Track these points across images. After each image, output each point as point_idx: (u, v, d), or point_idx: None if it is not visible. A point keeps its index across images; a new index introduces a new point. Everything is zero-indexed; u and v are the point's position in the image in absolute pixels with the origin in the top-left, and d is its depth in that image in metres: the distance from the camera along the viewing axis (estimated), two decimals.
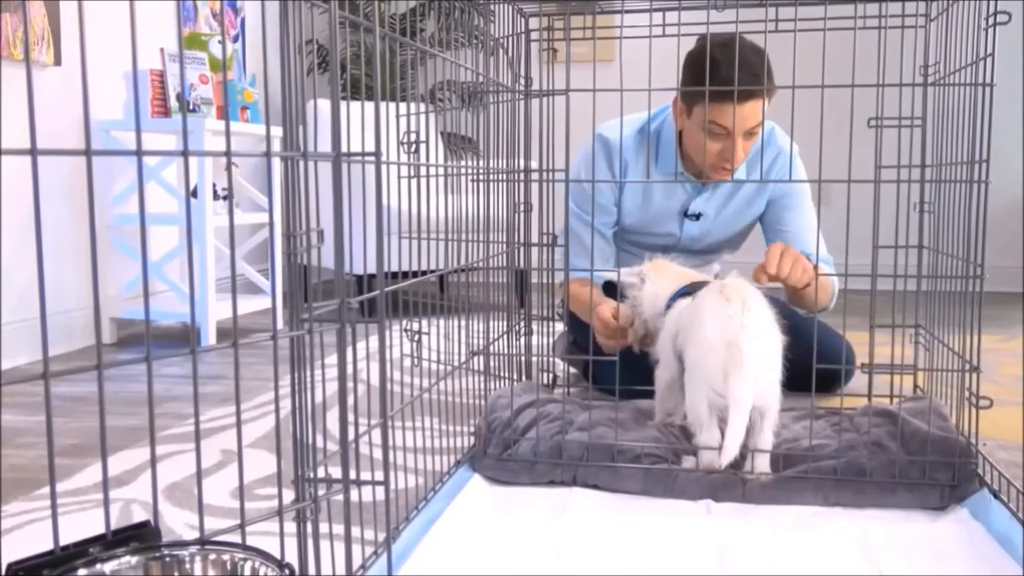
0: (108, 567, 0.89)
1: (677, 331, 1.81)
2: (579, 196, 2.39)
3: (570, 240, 2.26)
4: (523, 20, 2.21)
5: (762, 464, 1.70)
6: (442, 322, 1.97)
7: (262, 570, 0.92)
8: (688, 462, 1.72)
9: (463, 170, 2.01)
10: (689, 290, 1.89)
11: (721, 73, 1.96)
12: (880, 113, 1.66)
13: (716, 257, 2.63)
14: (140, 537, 0.92)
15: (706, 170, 2.24)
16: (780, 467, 1.70)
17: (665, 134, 2.36)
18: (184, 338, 3.54)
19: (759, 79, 2.01)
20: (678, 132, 2.32)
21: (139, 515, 1.65)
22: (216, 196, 3.62)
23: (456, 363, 1.89)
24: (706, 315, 1.67)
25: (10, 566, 0.83)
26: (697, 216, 2.41)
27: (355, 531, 1.42)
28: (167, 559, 0.92)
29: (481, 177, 1.99)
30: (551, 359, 2.42)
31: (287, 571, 0.91)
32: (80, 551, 0.88)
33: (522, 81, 2.18)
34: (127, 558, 0.90)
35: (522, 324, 2.31)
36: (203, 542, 0.94)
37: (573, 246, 2.34)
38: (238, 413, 0.98)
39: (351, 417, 1.69)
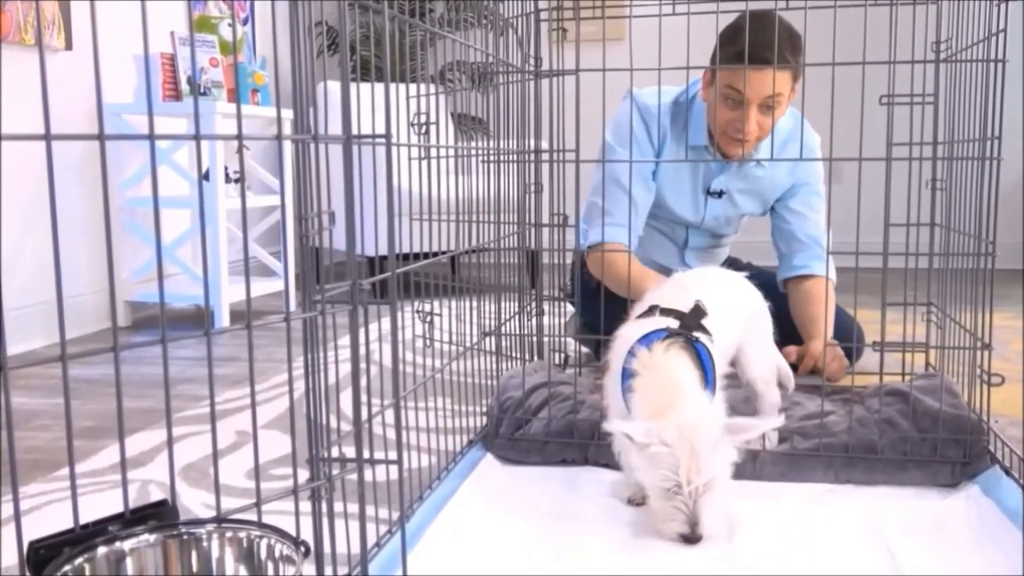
0: (127, 544, 0.90)
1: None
2: (610, 163, 2.23)
3: (605, 204, 2.19)
4: (532, 0, 2.21)
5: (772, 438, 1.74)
6: (454, 303, 1.98)
7: (278, 547, 0.94)
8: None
9: (474, 151, 2.01)
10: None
11: (743, 39, 1.94)
12: (892, 90, 1.66)
13: (728, 240, 2.61)
14: (158, 515, 0.94)
15: (720, 141, 2.22)
16: (791, 444, 1.71)
17: (697, 106, 2.33)
18: (196, 321, 3.56)
19: (779, 51, 1.99)
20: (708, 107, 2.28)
21: (156, 495, 1.67)
22: (228, 179, 3.63)
23: (468, 344, 1.89)
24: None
25: (32, 544, 0.84)
26: (719, 194, 2.38)
27: (369, 510, 1.44)
28: (185, 537, 0.94)
29: (492, 158, 1.99)
30: (563, 339, 2.42)
31: (303, 548, 0.93)
32: (99, 529, 0.89)
33: (532, 61, 2.17)
34: (145, 536, 0.91)
35: (533, 305, 2.32)
36: (220, 520, 0.95)
37: (607, 213, 2.21)
38: (252, 393, 0.99)
39: (364, 397, 1.70)
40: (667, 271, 2.26)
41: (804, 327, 2.26)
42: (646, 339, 1.51)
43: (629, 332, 1.57)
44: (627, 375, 1.49)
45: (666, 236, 2.51)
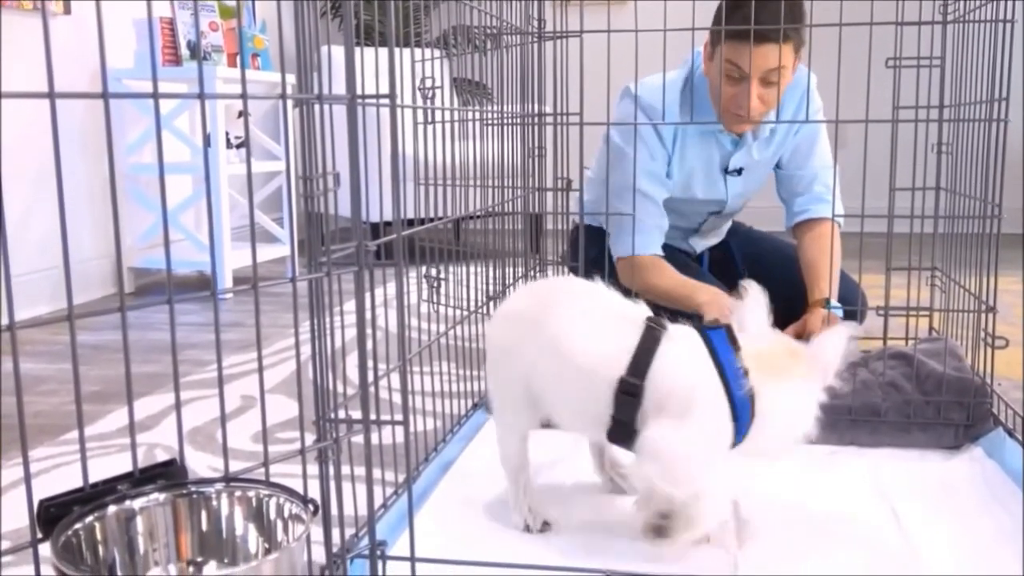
0: (137, 503, 0.91)
1: None
2: (622, 165, 2.14)
3: (621, 217, 2.14)
4: None
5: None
6: (458, 268, 1.98)
7: (287, 506, 0.94)
8: None
9: (477, 115, 1.99)
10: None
11: (743, 12, 1.87)
12: (899, 53, 1.64)
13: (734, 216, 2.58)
14: (167, 475, 0.94)
15: (723, 119, 2.18)
16: None
17: (701, 88, 2.27)
18: (200, 287, 3.56)
19: (779, 23, 1.94)
20: (710, 83, 2.22)
21: (162, 459, 1.68)
22: (229, 144, 3.61)
23: (472, 308, 1.89)
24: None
25: (42, 502, 0.84)
26: (739, 171, 2.34)
27: (375, 473, 1.44)
28: (194, 496, 0.94)
29: (495, 122, 1.98)
30: None
31: (311, 507, 0.93)
32: (109, 488, 0.90)
33: (535, 23, 2.16)
34: (155, 494, 0.92)
35: (536, 269, 2.32)
36: (229, 479, 0.95)
37: (632, 222, 2.13)
38: (259, 352, 0.99)
39: (369, 361, 1.70)
40: (672, 252, 2.24)
41: (807, 283, 2.25)
42: None
43: None
44: None
45: (673, 223, 2.46)
